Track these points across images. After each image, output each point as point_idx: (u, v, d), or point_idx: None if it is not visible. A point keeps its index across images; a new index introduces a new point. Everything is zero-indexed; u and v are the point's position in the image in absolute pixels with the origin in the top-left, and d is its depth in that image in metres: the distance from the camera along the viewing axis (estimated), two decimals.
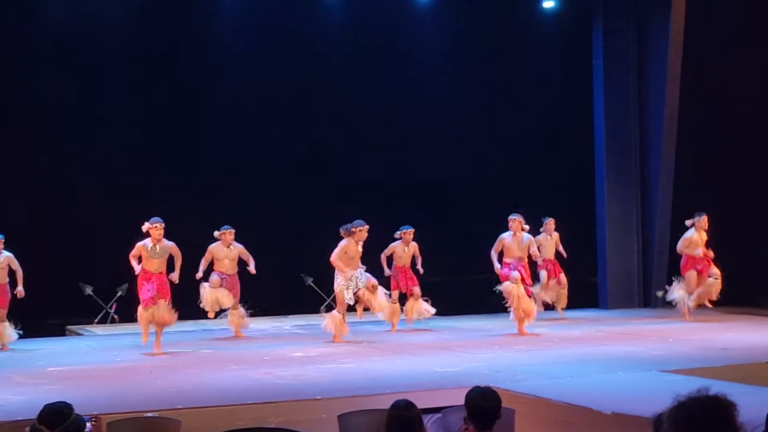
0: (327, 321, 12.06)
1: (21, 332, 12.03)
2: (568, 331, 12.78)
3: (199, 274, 12.48)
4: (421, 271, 13.50)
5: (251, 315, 13.24)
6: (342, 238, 11.98)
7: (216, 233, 12.80)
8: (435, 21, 16.47)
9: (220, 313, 12.92)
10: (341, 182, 16.19)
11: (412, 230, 13.44)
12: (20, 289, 11.83)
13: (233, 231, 12.80)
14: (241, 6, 15.66)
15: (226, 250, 12.74)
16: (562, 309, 14.65)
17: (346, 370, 9.55)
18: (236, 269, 12.87)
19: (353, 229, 11.87)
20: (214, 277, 12.65)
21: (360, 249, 11.95)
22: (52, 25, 14.71)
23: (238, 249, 12.83)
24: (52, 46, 14.74)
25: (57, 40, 14.74)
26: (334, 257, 11.84)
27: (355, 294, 11.87)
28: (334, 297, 12.33)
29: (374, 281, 12.00)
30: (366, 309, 12.56)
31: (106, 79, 14.98)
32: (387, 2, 16.01)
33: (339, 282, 11.94)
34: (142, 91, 15.23)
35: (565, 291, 14.63)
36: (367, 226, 11.99)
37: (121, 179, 14.95)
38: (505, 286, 12.30)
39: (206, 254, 12.60)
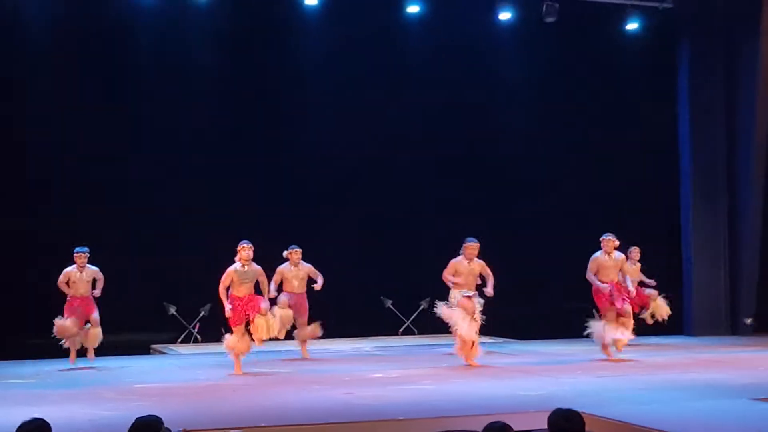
0: (455, 345, 11.74)
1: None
2: (653, 358, 12.54)
3: (272, 294, 12.46)
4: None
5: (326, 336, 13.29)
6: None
7: (284, 253, 12.90)
8: (516, 44, 16.40)
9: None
10: (420, 206, 16.19)
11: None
12: (96, 292, 12.09)
13: (300, 250, 12.88)
14: (320, 21, 15.77)
15: (294, 270, 12.83)
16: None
17: (428, 391, 9.51)
18: (304, 289, 12.93)
19: (463, 246, 11.66)
20: (283, 297, 12.73)
21: (471, 266, 11.63)
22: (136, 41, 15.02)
23: (306, 268, 12.90)
24: (138, 65, 15.00)
25: (141, 55, 14.99)
26: (444, 273, 11.64)
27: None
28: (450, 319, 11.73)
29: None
30: None
31: (189, 100, 15.20)
32: (467, 23, 15.99)
33: (453, 296, 11.63)
34: (226, 112, 15.46)
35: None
36: (474, 243, 11.70)
37: (203, 201, 15.17)
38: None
39: (275, 275, 12.60)
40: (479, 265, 11.78)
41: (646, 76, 16.77)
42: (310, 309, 12.99)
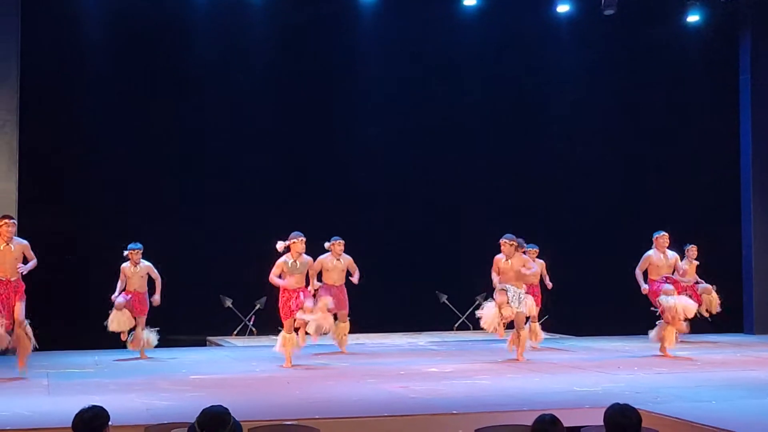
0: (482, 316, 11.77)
1: (159, 336, 12.38)
2: (712, 355, 12.36)
3: (315, 286, 12.43)
4: (548, 286, 13.46)
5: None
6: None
7: (327, 244, 12.91)
8: (575, 37, 16.25)
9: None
10: (478, 200, 16.12)
11: (536, 249, 13.29)
12: (156, 298, 12.23)
13: (342, 242, 12.85)
14: (377, 14, 15.73)
15: (335, 261, 12.83)
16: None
17: (482, 386, 9.47)
18: (344, 281, 12.91)
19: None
20: (328, 302, 12.60)
21: (511, 264, 11.67)
22: (200, 54, 15.20)
23: (346, 260, 12.89)
24: (203, 74, 15.24)
25: (207, 68, 15.24)
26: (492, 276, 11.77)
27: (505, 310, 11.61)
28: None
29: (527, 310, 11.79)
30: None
31: (242, 95, 15.35)
32: (525, 16, 15.88)
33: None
34: (277, 106, 15.54)
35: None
36: (507, 239, 11.72)
37: (259, 193, 15.28)
38: (664, 301, 11.96)
39: (315, 264, 12.37)
40: (520, 260, 11.78)
41: (707, 69, 16.50)
42: (350, 301, 12.97)
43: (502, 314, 11.54)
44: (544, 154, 16.44)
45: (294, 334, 11.39)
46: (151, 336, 12.29)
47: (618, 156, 16.43)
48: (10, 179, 12.84)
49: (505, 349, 11.99)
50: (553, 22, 16.15)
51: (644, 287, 12.10)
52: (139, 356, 12.28)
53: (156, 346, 12.47)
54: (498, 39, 16.08)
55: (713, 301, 13.94)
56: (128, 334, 12.25)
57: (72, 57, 14.51)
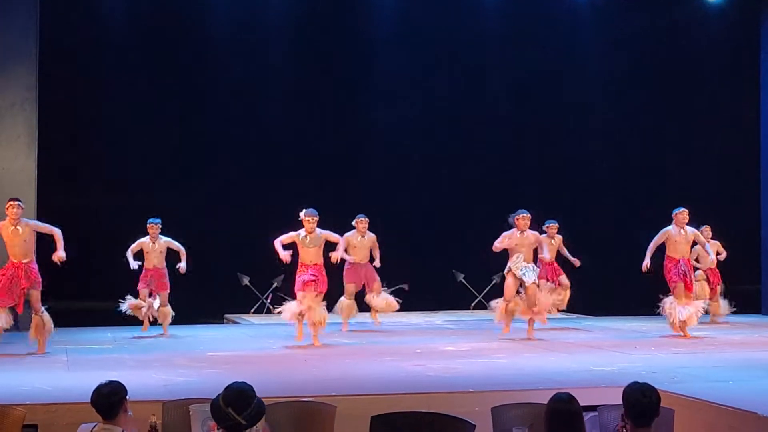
0: (496, 310, 11.92)
1: (174, 315, 12.43)
2: (730, 336, 12.32)
3: (349, 258, 12.56)
4: (576, 263, 13.37)
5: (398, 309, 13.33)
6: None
7: (354, 222, 12.92)
8: (593, 18, 16.16)
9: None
10: (495, 180, 16.09)
11: (556, 225, 13.27)
12: (182, 265, 12.20)
13: (367, 220, 12.87)
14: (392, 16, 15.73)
15: (360, 239, 12.83)
16: (720, 316, 14.06)
17: (499, 364, 9.50)
18: (368, 258, 12.96)
19: (515, 218, 11.77)
20: (350, 287, 12.79)
21: (524, 237, 11.73)
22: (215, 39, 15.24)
23: (371, 238, 12.89)
24: (222, 50, 15.32)
25: (226, 45, 15.28)
26: (495, 243, 11.75)
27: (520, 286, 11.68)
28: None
29: (534, 280, 11.83)
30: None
31: (275, 80, 15.39)
32: (543, 3, 15.82)
33: (508, 265, 11.82)
34: (301, 93, 15.59)
35: (719, 302, 14.06)
36: (526, 214, 11.77)
37: (280, 174, 15.30)
38: (669, 305, 11.96)
39: (341, 241, 12.34)
40: (533, 236, 11.90)
41: (728, 48, 16.39)
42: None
43: (509, 309, 11.71)
44: (562, 134, 16.39)
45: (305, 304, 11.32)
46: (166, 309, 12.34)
47: (638, 135, 16.37)
48: (30, 157, 12.89)
49: (522, 329, 12.03)
50: (573, 3, 16.05)
51: (646, 263, 11.99)
52: (162, 333, 12.33)
53: (173, 323, 12.53)
54: (518, 20, 16.03)
55: (721, 306, 13.89)
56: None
57: (91, 34, 14.55)
